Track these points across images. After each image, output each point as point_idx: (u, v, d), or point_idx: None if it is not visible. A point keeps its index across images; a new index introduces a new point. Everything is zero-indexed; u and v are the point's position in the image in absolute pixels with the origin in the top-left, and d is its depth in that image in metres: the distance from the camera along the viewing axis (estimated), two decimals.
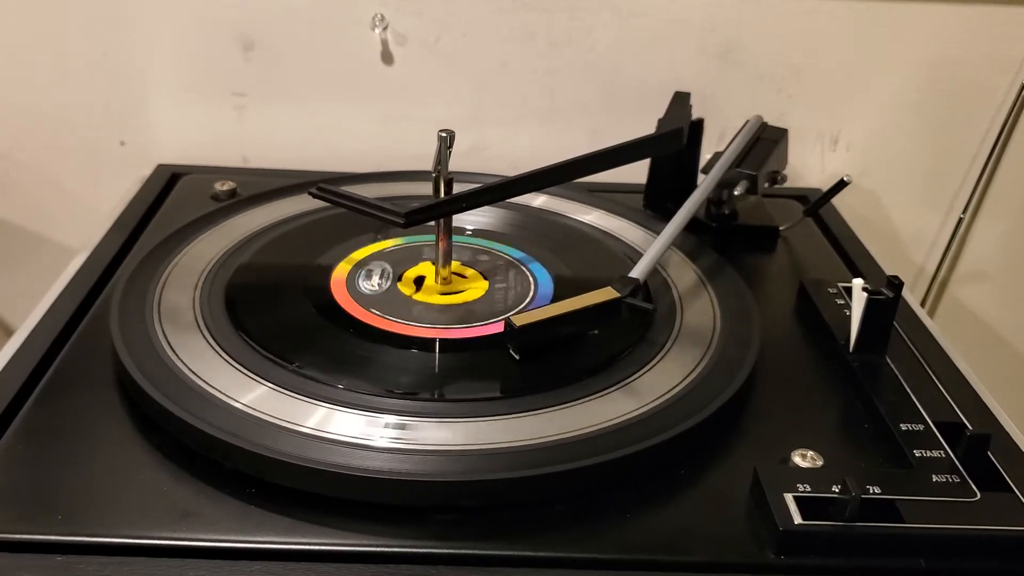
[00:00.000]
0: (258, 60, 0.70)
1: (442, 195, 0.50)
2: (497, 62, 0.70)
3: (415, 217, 0.47)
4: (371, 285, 0.50)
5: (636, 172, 0.63)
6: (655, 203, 0.65)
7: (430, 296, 0.51)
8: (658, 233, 0.53)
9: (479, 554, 0.36)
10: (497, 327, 0.48)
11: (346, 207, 0.49)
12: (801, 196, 0.70)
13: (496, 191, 0.51)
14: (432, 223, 0.51)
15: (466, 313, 0.50)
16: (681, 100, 0.62)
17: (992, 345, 0.80)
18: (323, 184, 0.50)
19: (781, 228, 0.64)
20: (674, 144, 0.58)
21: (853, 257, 0.62)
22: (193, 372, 0.43)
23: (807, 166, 0.74)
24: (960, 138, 0.73)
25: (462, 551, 0.36)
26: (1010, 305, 0.79)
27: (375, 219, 0.48)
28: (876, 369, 0.47)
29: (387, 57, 0.70)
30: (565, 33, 0.69)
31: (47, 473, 0.39)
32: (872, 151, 0.74)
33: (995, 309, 0.79)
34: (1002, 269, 0.78)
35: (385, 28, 0.69)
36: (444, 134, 0.48)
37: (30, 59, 0.70)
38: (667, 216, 0.55)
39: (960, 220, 0.76)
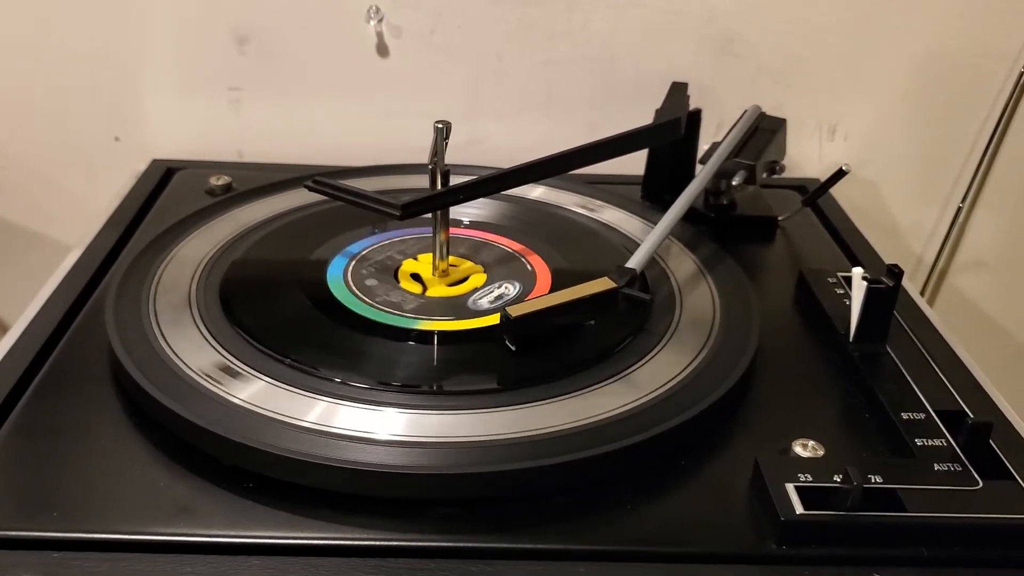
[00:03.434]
0: (253, 54, 0.70)
1: (439, 187, 0.50)
2: (493, 54, 0.70)
3: (411, 209, 0.47)
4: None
5: (634, 163, 0.63)
6: (653, 194, 0.65)
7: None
8: (656, 224, 0.53)
9: (480, 547, 0.36)
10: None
11: (342, 200, 0.49)
12: (799, 186, 0.70)
13: (493, 182, 0.50)
14: (429, 215, 0.51)
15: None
16: (678, 90, 0.62)
17: (992, 334, 0.80)
18: (319, 177, 0.50)
19: (780, 218, 0.63)
20: (672, 134, 0.58)
21: (852, 247, 0.62)
22: (190, 367, 0.43)
23: (805, 156, 0.74)
24: (958, 128, 0.73)
25: (463, 544, 0.36)
26: (1009, 294, 0.79)
27: (371, 211, 0.48)
28: (876, 358, 0.47)
29: (382, 50, 0.70)
30: (562, 24, 0.69)
31: (43, 470, 0.39)
32: (870, 141, 0.74)
33: (994, 298, 0.79)
34: (1001, 259, 0.78)
35: (380, 20, 0.68)
36: (440, 125, 0.48)
37: (24, 54, 0.70)
38: (665, 207, 0.55)
39: (959, 210, 0.75)
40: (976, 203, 0.75)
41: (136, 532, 0.36)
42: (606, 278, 0.46)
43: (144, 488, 0.38)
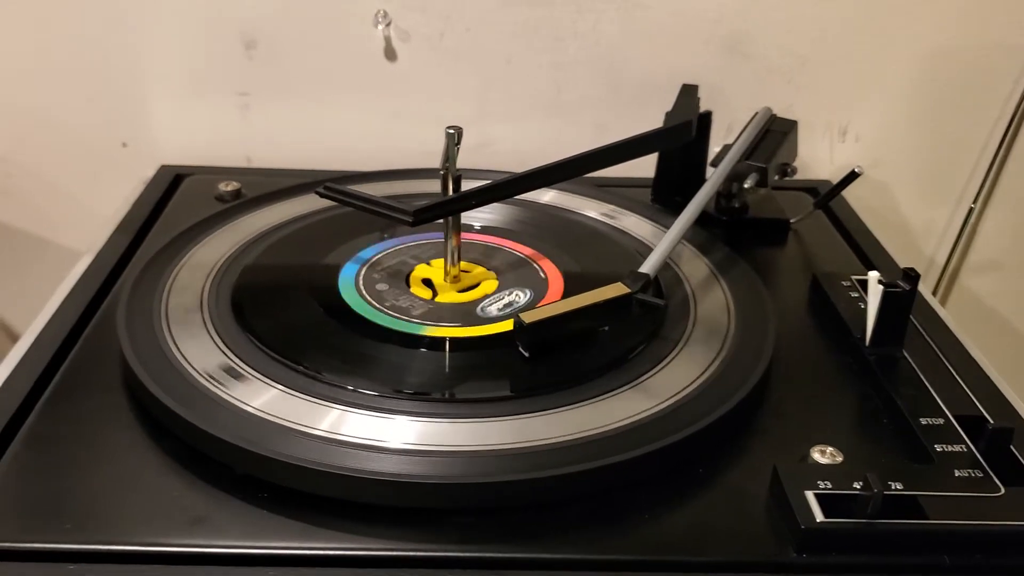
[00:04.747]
0: (261, 58, 0.69)
1: (450, 192, 0.49)
2: (502, 57, 0.70)
3: (423, 215, 0.47)
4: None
5: (644, 166, 0.63)
6: (664, 197, 0.64)
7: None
8: (668, 228, 0.53)
9: (496, 557, 0.36)
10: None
11: (354, 206, 0.48)
12: (810, 188, 0.70)
13: (505, 187, 0.50)
14: (440, 221, 0.50)
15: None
16: (689, 92, 0.62)
17: (1004, 336, 0.79)
18: (330, 183, 0.49)
19: (792, 220, 0.63)
20: (683, 137, 0.58)
21: (864, 249, 0.61)
22: (203, 375, 0.43)
23: (816, 158, 0.74)
24: (970, 127, 0.73)
25: (479, 554, 0.36)
26: (1022, 295, 0.78)
27: (383, 218, 0.48)
28: (893, 363, 0.47)
29: (390, 54, 0.69)
30: (570, 26, 0.68)
31: (56, 480, 0.38)
32: (881, 142, 0.73)
33: (1007, 299, 0.78)
34: (1013, 259, 0.77)
35: (388, 24, 0.68)
36: (452, 131, 0.48)
37: (30, 60, 0.70)
38: (676, 210, 0.55)
39: (971, 210, 0.75)
40: (988, 203, 0.75)
41: (150, 543, 0.36)
42: (620, 283, 0.46)
43: (158, 498, 0.38)
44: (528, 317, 0.44)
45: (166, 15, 0.68)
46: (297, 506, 0.37)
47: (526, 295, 0.50)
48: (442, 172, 0.49)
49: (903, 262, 0.59)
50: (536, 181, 0.51)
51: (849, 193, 0.65)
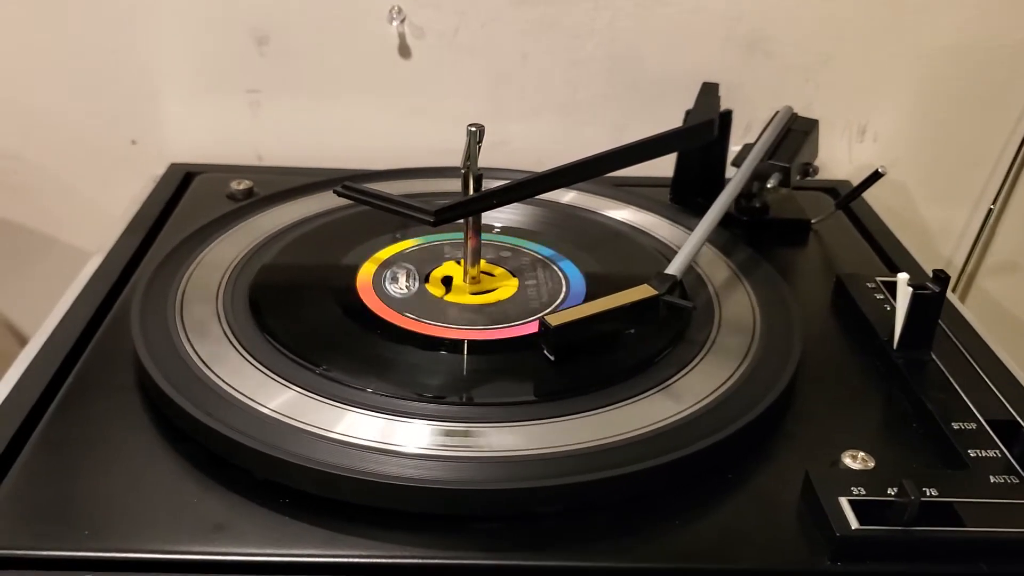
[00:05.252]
0: (272, 55, 0.69)
1: (471, 192, 0.48)
2: (517, 54, 0.69)
3: (445, 215, 0.46)
4: (399, 288, 0.49)
5: (661, 165, 0.62)
6: (683, 196, 0.64)
7: (459, 296, 0.50)
8: (688, 228, 0.52)
9: (521, 565, 0.35)
10: (530, 327, 0.46)
11: (373, 205, 0.47)
12: (830, 188, 0.69)
13: (527, 187, 0.49)
14: (459, 221, 0.49)
15: (497, 313, 0.48)
16: (709, 91, 0.61)
17: (1023, 337, 0.78)
18: (348, 182, 0.49)
19: (813, 221, 0.62)
20: (705, 136, 0.57)
21: (886, 250, 0.60)
22: (219, 377, 0.42)
23: (834, 158, 0.73)
24: (989, 127, 0.72)
25: (503, 562, 0.35)
26: None
27: (403, 217, 0.47)
28: (921, 366, 0.46)
29: (404, 51, 0.69)
30: (587, 24, 0.68)
31: (71, 486, 0.38)
32: (899, 142, 0.72)
33: None
34: None
35: (402, 21, 0.67)
36: (473, 128, 0.47)
37: (39, 58, 0.69)
38: (695, 210, 0.54)
39: (990, 211, 0.74)
40: (1008, 204, 0.74)
41: (170, 551, 0.35)
42: (646, 285, 0.45)
43: (177, 504, 0.37)
44: (554, 320, 0.43)
45: (176, 11, 0.67)
46: (319, 512, 0.36)
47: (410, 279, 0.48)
48: (463, 171, 0.48)
49: (921, 262, 0.59)
50: (558, 180, 0.50)
51: (867, 192, 0.64)
